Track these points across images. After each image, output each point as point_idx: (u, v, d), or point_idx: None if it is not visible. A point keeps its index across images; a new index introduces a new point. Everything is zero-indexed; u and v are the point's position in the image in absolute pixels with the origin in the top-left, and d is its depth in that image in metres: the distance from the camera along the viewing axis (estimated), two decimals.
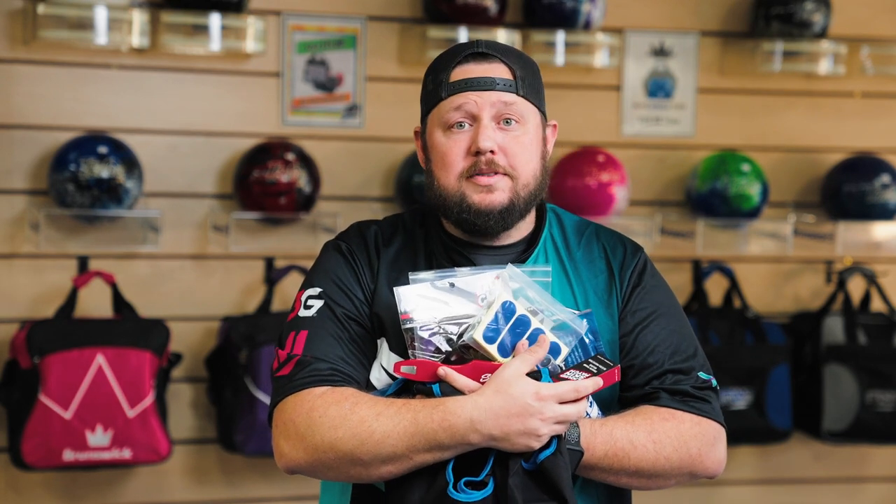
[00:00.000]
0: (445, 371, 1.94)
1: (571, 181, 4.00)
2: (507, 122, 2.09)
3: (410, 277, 2.04)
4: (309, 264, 2.23)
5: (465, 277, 2.03)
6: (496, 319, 1.97)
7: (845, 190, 4.20)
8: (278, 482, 3.96)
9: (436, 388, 1.95)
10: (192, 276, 3.90)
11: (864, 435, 4.13)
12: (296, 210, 3.81)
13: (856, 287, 4.33)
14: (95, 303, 3.77)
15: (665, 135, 4.24)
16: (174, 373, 3.81)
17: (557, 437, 1.93)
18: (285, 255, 3.90)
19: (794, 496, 4.37)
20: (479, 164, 2.07)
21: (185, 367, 3.87)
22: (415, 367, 1.97)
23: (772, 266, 4.35)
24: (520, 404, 1.89)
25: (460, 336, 1.99)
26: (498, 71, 2.10)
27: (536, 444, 1.91)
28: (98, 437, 3.54)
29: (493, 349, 1.96)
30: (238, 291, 3.93)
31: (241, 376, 3.69)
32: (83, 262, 3.74)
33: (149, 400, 3.58)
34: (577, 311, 2.07)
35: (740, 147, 4.24)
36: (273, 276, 3.85)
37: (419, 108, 2.20)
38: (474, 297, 2.01)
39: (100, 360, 3.56)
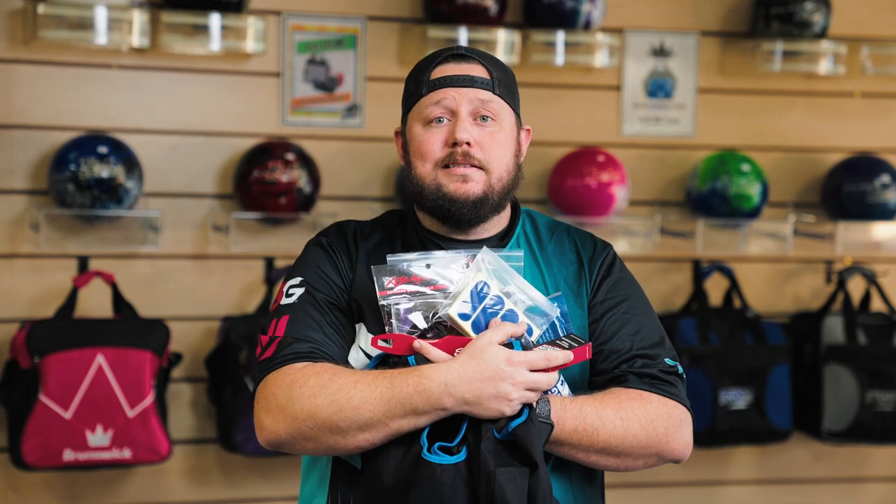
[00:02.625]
0: (420, 344, 2.02)
1: (571, 181, 4.00)
2: (483, 119, 2.20)
3: (388, 258, 2.11)
4: (296, 260, 2.29)
5: (441, 259, 2.11)
6: (471, 298, 2.04)
7: (845, 190, 4.20)
8: (278, 482, 3.97)
9: (411, 360, 2.02)
10: (192, 276, 3.90)
11: (864, 435, 4.13)
12: (296, 210, 3.81)
13: (856, 287, 4.33)
14: (95, 303, 3.77)
15: (665, 135, 4.24)
16: (174, 373, 3.82)
17: (529, 407, 2.00)
18: (285, 255, 3.90)
19: (794, 496, 4.38)
20: (456, 154, 2.17)
21: (185, 367, 3.87)
22: (391, 341, 2.03)
23: (772, 266, 4.35)
24: (492, 368, 1.96)
25: (435, 313, 2.06)
26: (476, 70, 2.22)
27: (508, 409, 1.97)
28: (98, 437, 3.54)
29: (467, 325, 2.04)
30: (238, 291, 3.93)
31: (241, 376, 3.69)
32: (83, 262, 3.75)
33: (149, 400, 3.58)
34: (548, 295, 2.16)
35: (740, 147, 4.24)
36: (273, 276, 3.85)
37: None
38: (449, 277, 2.09)
39: (100, 360, 3.56)
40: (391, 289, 2.07)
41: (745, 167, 4.11)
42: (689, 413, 2.20)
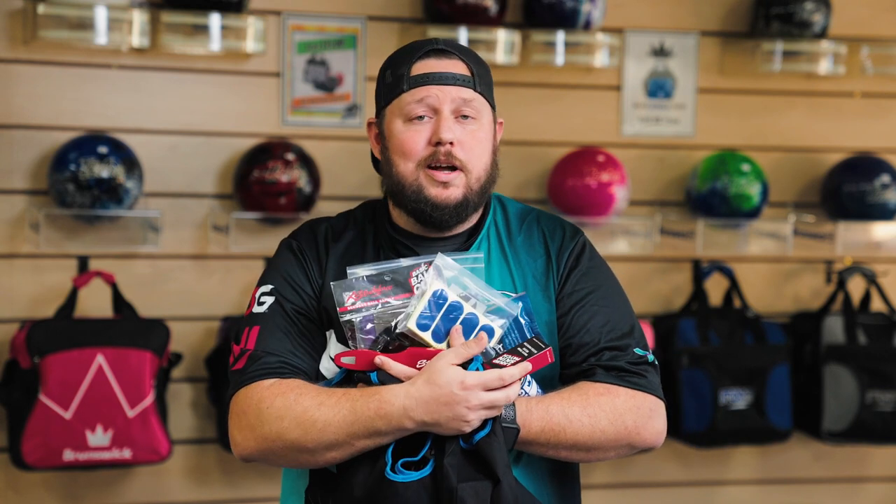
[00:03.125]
0: (382, 360, 2.04)
1: (571, 181, 4.00)
2: (464, 117, 2.19)
3: (348, 271, 2.12)
4: (269, 261, 2.31)
5: (399, 268, 2.12)
6: (429, 307, 2.05)
7: (845, 190, 4.20)
8: (278, 482, 3.96)
9: (373, 376, 2.04)
10: (192, 276, 3.90)
11: (864, 435, 4.13)
12: (296, 210, 3.81)
13: (856, 287, 4.33)
14: (95, 303, 3.77)
15: (665, 135, 4.24)
16: (174, 373, 3.82)
17: (493, 419, 2.01)
18: None
19: (794, 496, 4.38)
20: (438, 154, 2.17)
21: (185, 367, 3.87)
22: (354, 357, 2.06)
23: (772, 266, 4.35)
24: (446, 393, 1.98)
25: (396, 325, 2.07)
26: (457, 67, 2.21)
27: (467, 429, 1.99)
28: (98, 437, 3.54)
29: (427, 336, 2.05)
30: (238, 291, 3.93)
31: None
32: (83, 262, 3.74)
33: (149, 400, 3.58)
34: (510, 295, 2.16)
35: (740, 147, 4.24)
36: None
37: None
38: (409, 287, 2.11)
39: (100, 360, 3.56)
40: (352, 304, 2.09)
41: (745, 167, 4.11)
42: (661, 401, 2.19)
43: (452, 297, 2.07)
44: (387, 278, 2.11)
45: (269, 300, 2.21)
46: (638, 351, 2.19)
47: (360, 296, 2.09)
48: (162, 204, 3.83)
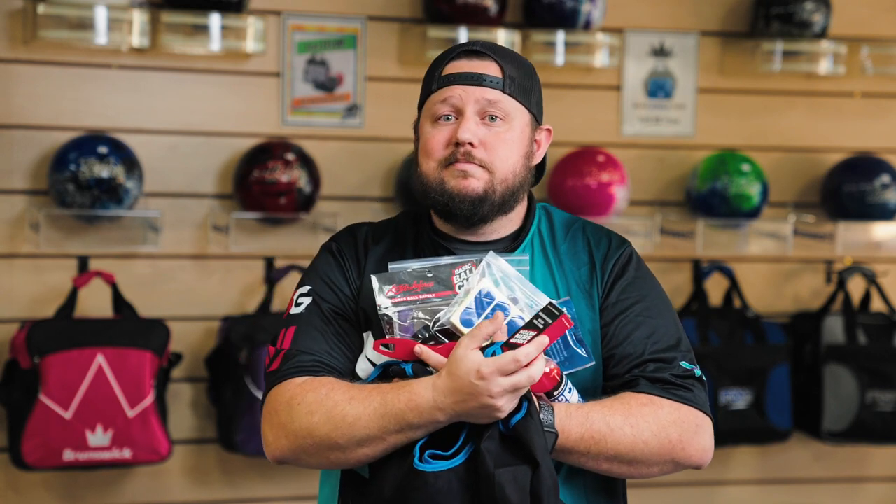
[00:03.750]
0: (421, 348, 2.00)
1: (571, 181, 4.00)
2: (491, 119, 2.16)
3: (390, 266, 2.10)
4: (309, 264, 2.29)
5: (443, 266, 2.09)
6: (475, 305, 2.01)
7: (845, 190, 4.20)
8: (278, 482, 3.96)
9: (408, 368, 2.00)
10: (192, 276, 3.90)
11: (864, 435, 4.13)
12: (296, 210, 3.81)
13: (856, 287, 4.33)
14: (95, 303, 3.77)
15: (665, 135, 4.24)
16: (174, 373, 3.81)
17: (528, 401, 1.96)
18: (285, 255, 3.90)
19: (794, 496, 4.38)
20: (457, 153, 2.14)
21: (185, 367, 3.87)
22: (393, 345, 2.02)
23: (772, 266, 4.35)
24: (466, 384, 1.93)
25: (437, 320, 2.04)
26: (487, 68, 2.17)
27: (500, 415, 1.94)
28: (98, 437, 3.54)
29: None
30: (238, 291, 3.93)
31: (241, 376, 3.69)
32: (83, 262, 3.74)
33: (149, 400, 3.58)
34: (556, 300, 2.11)
35: (740, 147, 4.24)
36: (273, 276, 3.85)
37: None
38: (451, 285, 2.08)
39: (100, 360, 3.56)
40: (392, 297, 2.06)
41: (745, 167, 4.11)
42: (708, 417, 2.12)
43: (500, 297, 2.02)
44: (429, 275, 2.08)
45: (307, 301, 2.18)
46: (684, 364, 2.13)
47: (399, 290, 2.07)
48: (162, 204, 3.83)
